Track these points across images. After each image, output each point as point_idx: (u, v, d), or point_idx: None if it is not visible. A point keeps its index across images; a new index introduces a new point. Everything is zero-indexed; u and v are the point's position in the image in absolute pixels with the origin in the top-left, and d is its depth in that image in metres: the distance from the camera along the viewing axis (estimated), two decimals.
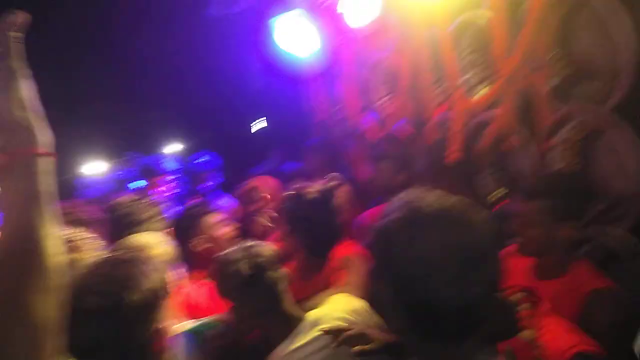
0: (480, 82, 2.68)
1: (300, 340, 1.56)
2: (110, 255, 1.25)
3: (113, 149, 6.39)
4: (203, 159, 3.88)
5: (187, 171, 3.96)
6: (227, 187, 4.07)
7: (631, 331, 1.56)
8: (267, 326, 1.63)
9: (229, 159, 4.83)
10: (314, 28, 3.98)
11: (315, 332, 1.54)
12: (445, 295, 0.81)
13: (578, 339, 1.33)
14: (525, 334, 1.35)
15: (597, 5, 1.93)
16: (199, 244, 2.21)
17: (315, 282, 1.98)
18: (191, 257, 2.15)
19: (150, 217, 2.11)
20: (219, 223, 2.29)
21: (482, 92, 2.64)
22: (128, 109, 6.81)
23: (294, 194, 2.13)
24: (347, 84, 3.85)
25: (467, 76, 2.69)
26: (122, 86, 6.68)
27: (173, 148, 7.54)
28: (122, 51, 6.20)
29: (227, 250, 1.69)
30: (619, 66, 1.89)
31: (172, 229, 2.20)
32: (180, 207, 3.62)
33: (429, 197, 0.87)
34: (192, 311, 1.88)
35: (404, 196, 0.91)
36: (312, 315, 1.62)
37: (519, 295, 1.43)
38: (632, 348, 1.57)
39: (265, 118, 7.37)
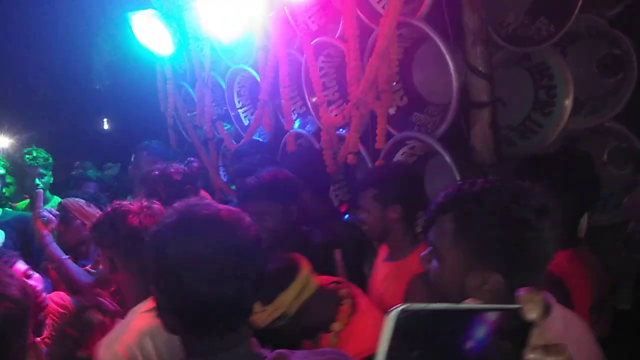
0: (334, 102, 2.88)
1: None
2: None
3: None
4: (33, 156, 3.49)
5: (15, 168, 3.53)
6: (57, 188, 3.72)
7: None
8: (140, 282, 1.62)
9: (63, 158, 4.43)
10: (171, 29, 3.88)
11: None
12: (212, 291, 0.91)
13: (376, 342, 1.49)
14: (334, 325, 1.49)
15: (436, 42, 2.19)
16: None
17: None
18: None
19: None
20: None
21: (335, 112, 2.84)
22: None
23: (158, 174, 2.12)
24: (202, 92, 3.82)
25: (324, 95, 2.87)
26: None
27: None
28: None
29: (125, 202, 1.68)
30: (448, 100, 2.18)
31: None
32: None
33: (201, 206, 0.98)
34: None
35: (178, 205, 1.00)
36: None
37: (344, 291, 1.57)
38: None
39: (106, 118, 6.92)
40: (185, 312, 0.94)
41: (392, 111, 2.39)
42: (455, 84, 2.09)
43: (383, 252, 2.06)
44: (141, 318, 1.51)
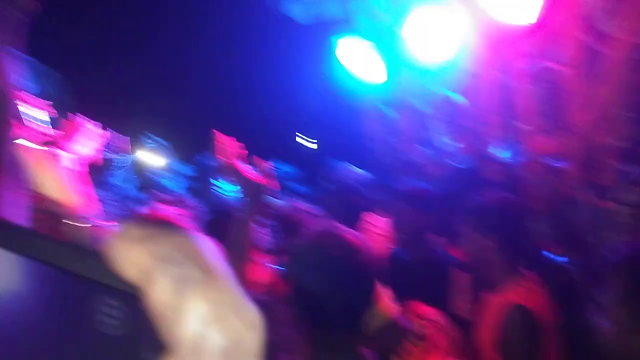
0: (548, 130, 2.70)
1: None
2: None
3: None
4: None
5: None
6: None
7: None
8: None
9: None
10: (377, 55, 4.03)
11: None
12: (334, 297, 1.15)
13: None
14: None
15: None
16: None
17: None
18: None
19: None
20: None
21: (549, 140, 2.66)
22: (176, 107, 6.92)
23: None
24: (408, 117, 3.91)
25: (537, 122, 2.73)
26: (172, 84, 6.80)
27: None
28: (177, 50, 6.35)
29: None
30: None
31: None
32: None
33: (336, 227, 1.24)
34: None
35: (319, 228, 1.27)
36: None
37: (419, 324, 1.43)
38: None
39: (316, 141, 7.43)
40: (310, 308, 1.13)
41: (624, 143, 2.15)
42: None
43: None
44: None
